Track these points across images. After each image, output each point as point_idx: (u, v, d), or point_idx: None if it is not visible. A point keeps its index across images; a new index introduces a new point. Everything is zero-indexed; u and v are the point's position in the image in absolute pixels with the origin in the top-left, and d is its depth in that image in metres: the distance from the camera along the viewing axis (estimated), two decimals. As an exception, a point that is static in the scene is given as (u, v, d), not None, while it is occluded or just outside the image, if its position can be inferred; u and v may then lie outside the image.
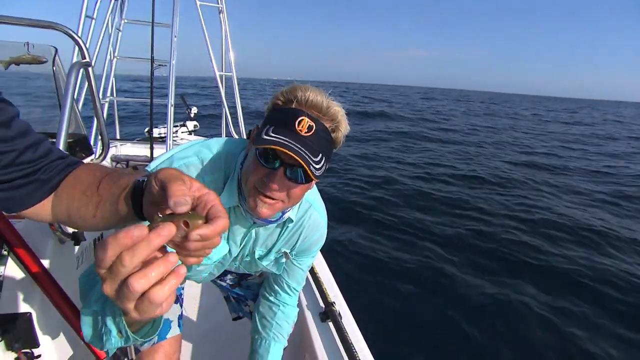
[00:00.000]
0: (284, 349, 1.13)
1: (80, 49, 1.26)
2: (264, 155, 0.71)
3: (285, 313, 1.10)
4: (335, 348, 1.19)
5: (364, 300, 3.23)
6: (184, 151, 0.84)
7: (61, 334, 1.08)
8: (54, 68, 1.33)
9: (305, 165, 0.66)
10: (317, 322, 1.30)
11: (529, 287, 3.64)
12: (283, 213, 0.86)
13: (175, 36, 3.23)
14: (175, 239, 0.39)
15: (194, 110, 5.54)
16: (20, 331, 0.97)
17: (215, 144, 0.87)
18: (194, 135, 5.34)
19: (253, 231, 0.92)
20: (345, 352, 1.13)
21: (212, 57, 3.49)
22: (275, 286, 1.09)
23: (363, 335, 1.22)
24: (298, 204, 0.89)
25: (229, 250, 0.93)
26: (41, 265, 0.99)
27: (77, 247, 1.19)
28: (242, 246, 0.94)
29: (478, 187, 7.11)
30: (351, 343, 1.13)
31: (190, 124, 5.41)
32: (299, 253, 1.00)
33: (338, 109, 0.73)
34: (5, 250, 0.98)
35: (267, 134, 0.68)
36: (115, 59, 3.47)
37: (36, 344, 0.99)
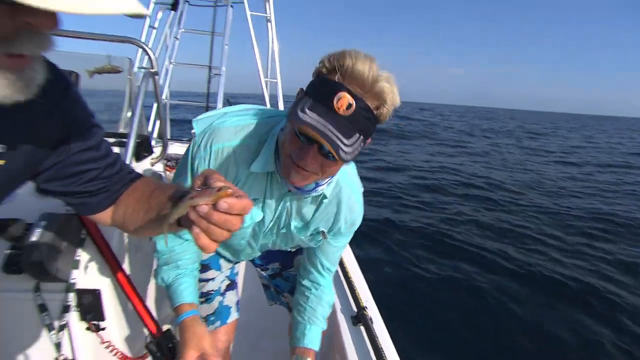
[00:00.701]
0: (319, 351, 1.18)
1: (150, 60, 1.42)
2: (303, 136, 0.71)
3: (317, 296, 1.12)
4: (366, 352, 1.23)
5: (396, 306, 3.22)
6: (225, 115, 0.90)
7: (122, 310, 1.22)
8: (129, 76, 1.51)
9: (333, 151, 0.66)
10: (349, 325, 1.35)
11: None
12: (317, 185, 0.85)
13: (226, 44, 3.46)
14: (204, 209, 0.46)
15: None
16: (92, 305, 1.12)
17: (258, 112, 0.92)
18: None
19: (288, 201, 0.93)
20: (376, 356, 1.16)
21: (259, 61, 3.69)
22: (309, 266, 1.12)
23: (394, 342, 1.25)
24: (334, 182, 0.91)
25: (264, 218, 0.96)
26: (110, 249, 1.13)
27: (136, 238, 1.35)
28: (277, 215, 0.96)
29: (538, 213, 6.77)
30: (381, 349, 1.17)
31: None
32: (336, 234, 1.03)
33: (385, 85, 0.68)
34: (83, 234, 1.14)
35: (303, 110, 0.68)
36: (171, 65, 3.76)
37: (102, 318, 1.13)
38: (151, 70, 1.40)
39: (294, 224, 0.98)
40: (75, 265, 1.11)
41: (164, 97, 3.71)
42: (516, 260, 4.29)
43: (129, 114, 1.64)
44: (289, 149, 0.75)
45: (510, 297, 3.56)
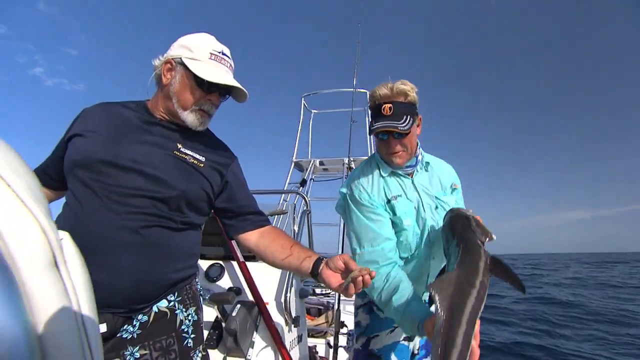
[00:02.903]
0: None
1: (306, 203, 2.04)
2: (380, 134, 1.21)
3: None
4: None
5: None
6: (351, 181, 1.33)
7: None
8: (294, 215, 2.15)
9: (393, 127, 1.14)
10: None
11: None
12: (416, 159, 1.29)
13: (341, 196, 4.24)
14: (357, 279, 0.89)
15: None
16: (261, 380, 1.34)
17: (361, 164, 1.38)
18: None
19: (416, 180, 1.29)
20: None
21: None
22: None
23: None
24: (425, 158, 1.34)
25: (415, 202, 1.26)
26: (278, 334, 1.43)
27: (296, 328, 1.62)
28: (420, 192, 1.28)
29: None
30: None
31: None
32: (457, 185, 1.38)
33: (400, 86, 1.18)
34: (259, 322, 1.49)
35: (372, 125, 1.18)
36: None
37: None
38: (307, 210, 2.00)
39: (437, 193, 1.31)
40: (252, 344, 1.41)
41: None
42: None
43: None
44: (383, 152, 1.26)
45: None
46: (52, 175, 1.07)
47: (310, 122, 5.11)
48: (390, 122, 1.16)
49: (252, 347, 1.41)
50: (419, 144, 1.32)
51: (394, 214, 1.24)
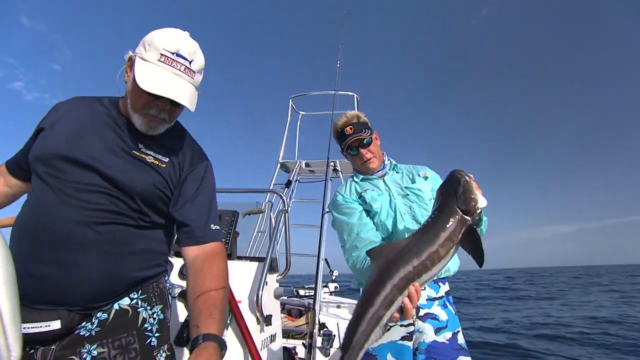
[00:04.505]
0: None
1: (283, 201, 2.03)
2: (351, 150, 1.48)
3: None
4: None
5: None
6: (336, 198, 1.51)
7: None
8: (271, 214, 2.13)
9: (359, 136, 1.42)
10: None
11: None
12: (384, 164, 1.53)
13: (327, 211, 4.22)
14: None
15: (336, 272, 6.17)
16: (228, 380, 1.32)
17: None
18: (334, 295, 5.78)
19: (386, 182, 1.49)
20: None
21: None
22: None
23: None
24: (393, 163, 1.57)
25: (387, 194, 1.43)
26: (249, 332, 1.42)
27: (268, 327, 1.61)
28: (391, 188, 1.46)
29: None
30: None
31: (332, 285, 5.96)
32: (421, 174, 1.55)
33: (353, 112, 1.50)
34: (229, 319, 1.47)
35: (342, 145, 1.47)
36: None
37: None
38: (284, 209, 1.99)
39: (406, 184, 1.48)
40: (222, 343, 1.40)
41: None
42: None
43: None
44: (357, 163, 1.51)
45: None
46: (24, 167, 1.06)
47: (298, 124, 5.09)
48: (355, 135, 1.45)
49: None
50: (385, 153, 1.58)
51: (365, 202, 1.44)
